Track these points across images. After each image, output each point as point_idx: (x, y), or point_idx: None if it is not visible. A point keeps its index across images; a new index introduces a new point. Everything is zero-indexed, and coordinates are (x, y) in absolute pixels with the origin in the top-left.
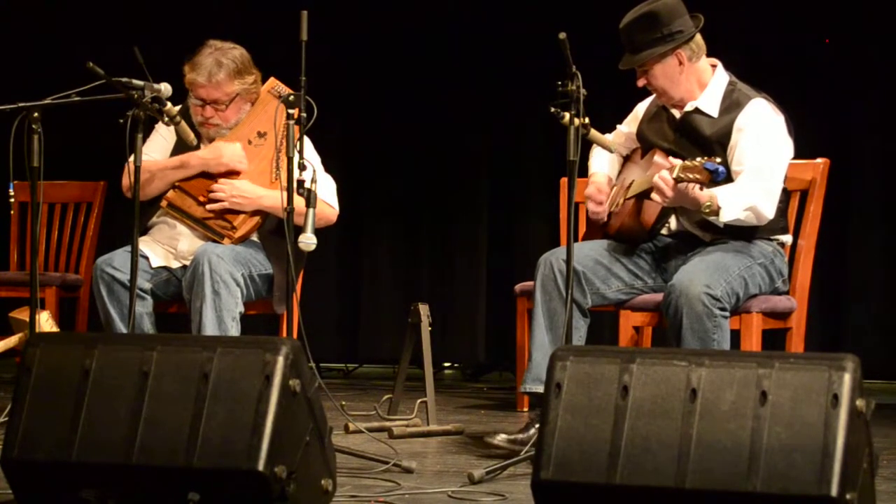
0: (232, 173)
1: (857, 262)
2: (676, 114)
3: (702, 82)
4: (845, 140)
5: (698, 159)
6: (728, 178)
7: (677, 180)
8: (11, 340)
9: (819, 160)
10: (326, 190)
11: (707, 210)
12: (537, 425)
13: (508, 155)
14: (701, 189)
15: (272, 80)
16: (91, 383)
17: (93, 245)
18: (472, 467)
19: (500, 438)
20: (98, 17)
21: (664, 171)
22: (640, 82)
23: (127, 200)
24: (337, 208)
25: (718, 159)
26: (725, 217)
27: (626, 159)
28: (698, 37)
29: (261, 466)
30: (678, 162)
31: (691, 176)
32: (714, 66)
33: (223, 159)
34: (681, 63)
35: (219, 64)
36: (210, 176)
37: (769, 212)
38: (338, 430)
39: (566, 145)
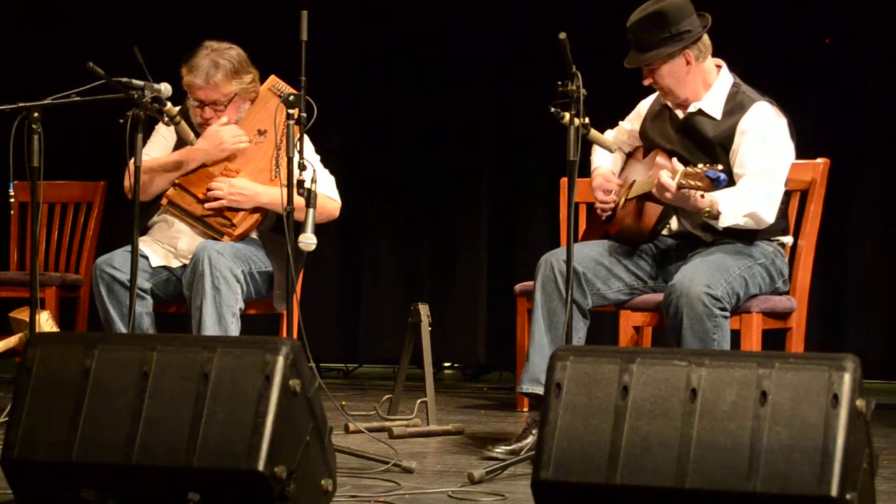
0: (233, 157)
1: (857, 262)
2: (680, 114)
3: (707, 83)
4: (845, 140)
5: (700, 166)
6: (730, 185)
7: (679, 186)
8: (11, 340)
9: (819, 160)
10: (326, 184)
11: (706, 214)
12: (534, 431)
13: (508, 155)
14: (702, 196)
15: (272, 78)
16: (91, 383)
17: (93, 245)
18: (472, 467)
19: (500, 451)
20: (98, 17)
21: (666, 176)
22: (647, 81)
23: (127, 200)
24: (339, 201)
25: (720, 167)
26: (724, 222)
27: (629, 156)
28: (705, 37)
29: (261, 466)
30: (680, 167)
31: (693, 183)
32: (719, 66)
33: (224, 144)
34: (688, 63)
35: (216, 65)
36: (210, 172)
37: (770, 217)
38: (338, 430)
39: (566, 145)
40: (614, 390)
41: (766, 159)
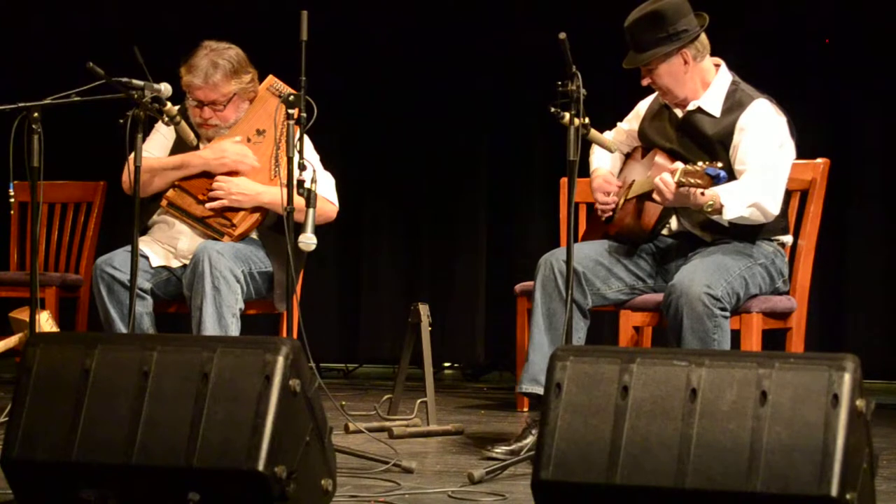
0: (233, 172)
1: (857, 262)
2: (679, 113)
3: (705, 82)
4: (845, 140)
5: (700, 164)
6: (730, 181)
7: (679, 185)
8: (11, 340)
9: (819, 160)
10: (325, 186)
11: (709, 209)
12: (534, 431)
13: (508, 155)
14: (702, 193)
15: (270, 78)
16: (91, 383)
17: (93, 245)
18: (472, 467)
19: (499, 451)
20: (98, 17)
21: (665, 173)
22: (645, 81)
23: (127, 200)
24: (336, 205)
25: (720, 164)
26: (729, 215)
27: (628, 157)
28: (703, 36)
29: (261, 466)
30: (679, 165)
31: (692, 180)
32: (717, 65)
33: (226, 160)
34: (686, 62)
35: (214, 65)
36: (210, 175)
37: (774, 208)
38: (338, 430)
39: (566, 145)
40: (614, 390)
41: (767, 154)
